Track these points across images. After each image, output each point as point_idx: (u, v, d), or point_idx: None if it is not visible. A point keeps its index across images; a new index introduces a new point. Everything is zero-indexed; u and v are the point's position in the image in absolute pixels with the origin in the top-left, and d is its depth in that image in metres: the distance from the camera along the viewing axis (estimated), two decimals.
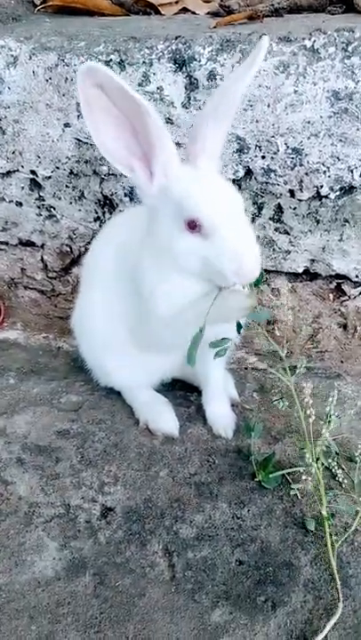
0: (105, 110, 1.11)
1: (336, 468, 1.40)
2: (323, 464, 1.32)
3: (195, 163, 1.17)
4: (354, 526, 1.28)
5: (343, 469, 1.41)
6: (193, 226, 1.13)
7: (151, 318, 1.29)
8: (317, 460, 1.29)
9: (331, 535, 1.24)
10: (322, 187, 1.59)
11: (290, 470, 1.39)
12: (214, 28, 1.62)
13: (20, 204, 1.86)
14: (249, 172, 1.61)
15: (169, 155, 1.13)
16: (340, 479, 1.39)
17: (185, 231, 1.14)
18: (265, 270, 1.77)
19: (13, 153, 1.75)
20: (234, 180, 1.63)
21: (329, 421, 1.30)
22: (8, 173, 1.81)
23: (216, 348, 1.27)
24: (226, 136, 1.24)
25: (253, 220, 1.69)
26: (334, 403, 1.31)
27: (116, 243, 1.43)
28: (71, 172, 1.75)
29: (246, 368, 1.78)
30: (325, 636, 1.10)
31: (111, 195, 1.76)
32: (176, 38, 1.52)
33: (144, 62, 1.53)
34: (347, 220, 1.64)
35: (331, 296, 1.79)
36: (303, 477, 1.29)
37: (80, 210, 1.81)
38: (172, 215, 1.16)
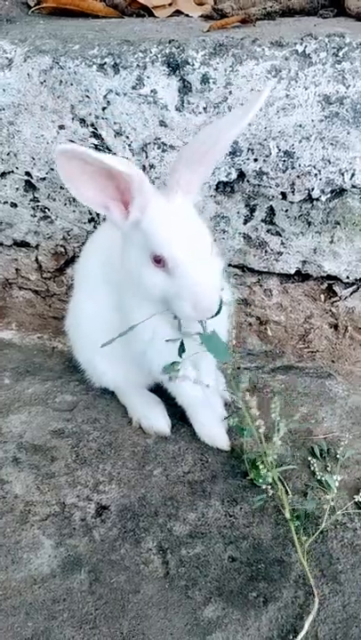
0: (82, 170, 1.13)
1: (318, 467, 1.44)
2: (279, 467, 1.36)
3: (170, 197, 1.18)
4: (323, 525, 1.31)
5: (328, 469, 1.44)
6: (158, 260, 1.16)
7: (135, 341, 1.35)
8: (276, 466, 1.33)
9: (298, 535, 1.27)
10: (313, 189, 1.62)
11: (282, 469, 1.41)
12: (207, 31, 1.63)
13: (14, 204, 1.87)
14: (241, 175, 1.63)
15: (146, 195, 1.16)
16: (320, 478, 1.42)
17: (151, 265, 1.17)
18: (258, 271, 1.80)
19: (8, 154, 1.76)
20: (227, 183, 1.65)
21: (278, 429, 1.32)
22: (3, 175, 1.82)
23: (167, 372, 1.33)
24: (208, 174, 1.26)
25: (246, 222, 1.71)
26: (278, 411, 1.33)
27: (105, 249, 1.44)
28: None
29: (239, 368, 1.80)
30: (316, 632, 1.13)
31: None
32: (170, 42, 1.54)
33: (138, 65, 1.54)
34: (338, 223, 1.66)
35: (322, 297, 1.82)
36: (263, 487, 1.34)
37: (74, 211, 1.83)
38: (141, 247, 1.19)
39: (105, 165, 1.10)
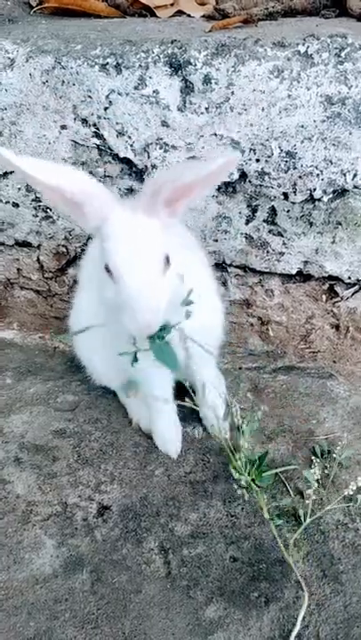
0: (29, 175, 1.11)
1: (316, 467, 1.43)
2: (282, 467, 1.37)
3: (135, 212, 1.16)
4: (307, 522, 1.31)
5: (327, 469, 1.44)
6: (107, 269, 1.14)
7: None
8: (278, 466, 1.35)
9: (280, 534, 1.27)
10: (315, 190, 1.62)
11: (283, 469, 1.42)
12: (209, 31, 1.63)
13: (16, 204, 1.87)
14: (243, 175, 1.63)
15: (102, 202, 1.14)
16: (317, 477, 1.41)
17: (105, 273, 1.15)
18: (259, 272, 1.80)
19: None
20: (229, 183, 1.65)
21: (242, 432, 1.33)
22: (5, 174, 1.82)
23: (127, 389, 1.30)
24: (175, 210, 1.21)
25: (247, 223, 1.71)
26: (238, 413, 1.35)
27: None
28: None
29: (240, 368, 1.80)
30: (317, 632, 1.14)
31: None
32: (172, 42, 1.54)
33: (140, 66, 1.54)
34: (339, 223, 1.66)
35: (323, 297, 1.82)
36: (239, 492, 1.34)
37: None
38: (100, 254, 1.18)
39: (38, 182, 1.08)
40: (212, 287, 1.49)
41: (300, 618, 1.14)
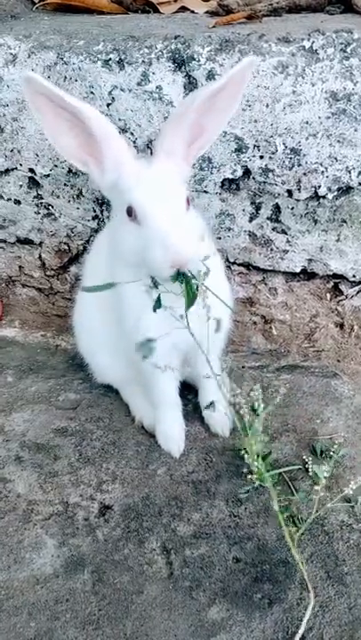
0: (54, 113, 1.16)
1: (309, 461, 1.42)
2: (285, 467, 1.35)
3: (153, 161, 1.20)
4: (312, 516, 1.28)
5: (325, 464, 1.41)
6: (130, 213, 1.16)
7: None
8: (263, 457, 1.29)
9: (288, 527, 1.24)
10: (320, 187, 1.60)
11: (287, 469, 1.40)
12: (213, 27, 1.62)
13: (18, 201, 1.86)
14: (247, 172, 1.62)
15: (118, 151, 1.17)
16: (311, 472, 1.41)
17: (126, 220, 1.17)
18: (263, 270, 1.79)
19: (12, 151, 1.76)
20: (232, 180, 1.64)
21: (258, 415, 1.30)
22: (6, 171, 1.81)
23: (141, 348, 1.26)
24: (199, 145, 1.26)
25: (251, 220, 1.69)
26: (260, 396, 1.30)
27: (108, 244, 1.43)
28: (69, 171, 1.75)
29: (243, 367, 1.79)
30: (321, 635, 1.12)
31: None
32: (175, 38, 1.52)
33: (143, 61, 1.53)
34: (344, 221, 1.65)
35: (328, 295, 1.80)
36: (248, 477, 1.30)
37: (78, 208, 1.82)
38: (119, 208, 1.20)
39: (61, 100, 1.11)
40: (223, 274, 1.47)
41: (305, 619, 1.13)
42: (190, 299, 1.17)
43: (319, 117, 1.51)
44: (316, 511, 1.29)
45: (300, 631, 1.11)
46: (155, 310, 1.21)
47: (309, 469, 1.42)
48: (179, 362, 1.43)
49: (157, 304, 1.20)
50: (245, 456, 1.29)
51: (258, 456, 1.29)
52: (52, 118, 1.17)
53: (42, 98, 1.15)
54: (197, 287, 1.16)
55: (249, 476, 1.30)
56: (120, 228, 1.20)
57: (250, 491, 1.37)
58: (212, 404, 1.48)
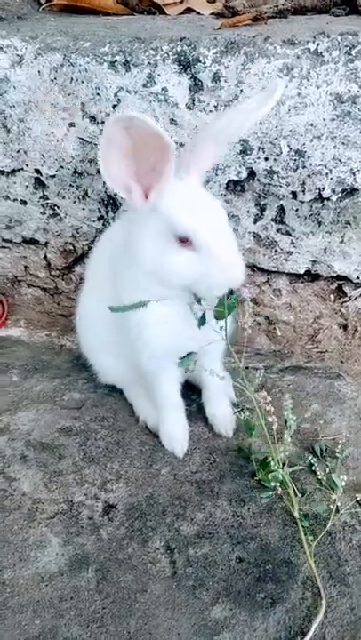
0: (121, 146, 1.12)
1: (317, 467, 1.43)
2: (289, 468, 1.36)
3: (185, 177, 1.20)
4: (328, 525, 1.30)
5: (328, 468, 1.43)
6: (184, 241, 1.17)
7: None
8: (283, 465, 1.33)
9: (306, 535, 1.26)
10: (324, 189, 1.60)
11: (290, 470, 1.41)
12: (219, 29, 1.62)
13: (24, 202, 1.87)
14: (252, 174, 1.62)
15: (169, 178, 1.16)
16: (320, 477, 1.41)
17: (174, 248, 1.18)
18: (267, 271, 1.79)
19: (18, 152, 1.76)
20: (237, 182, 1.64)
21: (289, 426, 1.33)
22: (13, 172, 1.82)
23: (183, 364, 1.33)
24: (218, 156, 1.28)
25: (256, 222, 1.70)
26: (290, 407, 1.35)
27: (112, 248, 1.44)
28: (75, 172, 1.76)
29: (247, 367, 1.79)
30: (323, 635, 1.13)
31: (115, 194, 1.77)
32: (181, 40, 1.53)
33: (149, 63, 1.54)
34: (348, 222, 1.65)
35: (332, 297, 1.81)
36: (272, 484, 1.34)
37: (84, 209, 1.83)
38: (160, 232, 1.19)
39: (156, 135, 1.08)
40: None
41: (315, 623, 1.14)
42: (229, 311, 1.23)
43: (324, 120, 1.52)
44: (334, 519, 1.30)
45: (309, 635, 1.12)
46: (200, 327, 1.28)
47: (317, 472, 1.42)
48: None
49: (202, 320, 1.27)
50: (271, 463, 1.32)
51: (284, 465, 1.31)
52: (116, 152, 1.13)
53: (123, 133, 1.10)
54: (236, 299, 1.23)
55: (273, 484, 1.33)
56: (165, 255, 1.20)
57: (272, 496, 1.39)
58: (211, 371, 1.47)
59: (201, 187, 1.24)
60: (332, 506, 1.32)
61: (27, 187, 1.84)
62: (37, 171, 1.79)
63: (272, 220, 1.69)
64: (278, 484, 1.32)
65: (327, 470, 1.42)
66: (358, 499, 1.36)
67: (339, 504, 1.33)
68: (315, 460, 1.44)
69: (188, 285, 1.22)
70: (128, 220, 1.32)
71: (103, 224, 1.84)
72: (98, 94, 1.59)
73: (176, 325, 1.31)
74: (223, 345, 1.36)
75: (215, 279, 1.18)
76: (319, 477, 1.41)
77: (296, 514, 1.27)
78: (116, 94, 1.58)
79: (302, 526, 1.27)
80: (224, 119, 1.22)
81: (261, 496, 1.38)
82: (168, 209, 1.18)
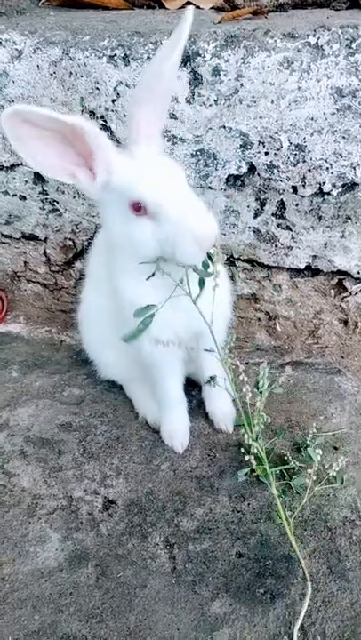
0: (36, 138, 1.11)
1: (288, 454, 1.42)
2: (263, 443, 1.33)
3: (131, 149, 1.17)
4: (305, 499, 1.30)
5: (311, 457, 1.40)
6: (138, 208, 1.13)
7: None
8: (257, 438, 1.30)
9: (285, 512, 1.25)
10: (324, 183, 1.60)
11: (289, 466, 1.40)
12: (219, 23, 1.61)
13: (23, 197, 1.87)
14: (252, 168, 1.62)
15: (107, 153, 1.14)
16: (294, 464, 1.40)
17: (134, 217, 1.14)
18: (267, 266, 1.79)
19: None
20: (237, 176, 1.63)
21: (260, 392, 1.30)
22: (12, 167, 1.81)
23: (139, 316, 1.23)
24: (165, 114, 1.23)
25: (256, 216, 1.69)
26: (266, 375, 1.33)
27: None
28: None
29: (247, 363, 1.79)
30: (323, 630, 1.13)
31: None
32: None
33: (149, 57, 1.53)
34: (349, 217, 1.64)
35: (332, 292, 1.80)
36: (246, 458, 1.31)
37: (83, 204, 1.82)
38: (117, 206, 1.16)
39: (54, 121, 1.07)
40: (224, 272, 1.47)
41: (303, 609, 1.13)
42: (206, 274, 1.17)
43: (324, 113, 1.51)
44: (319, 508, 1.29)
45: (299, 621, 1.12)
46: (200, 287, 1.20)
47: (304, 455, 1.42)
48: (182, 357, 1.44)
49: (201, 283, 1.20)
50: (245, 436, 1.30)
51: (257, 437, 1.30)
52: (34, 146, 1.12)
53: (25, 126, 1.09)
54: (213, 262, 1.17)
55: (247, 457, 1.30)
56: (127, 226, 1.16)
57: (248, 474, 1.38)
58: (212, 378, 1.44)
59: (156, 153, 1.18)
60: (308, 480, 1.30)
61: (26, 182, 1.83)
62: None
63: (272, 214, 1.69)
64: (252, 457, 1.30)
65: (319, 458, 1.38)
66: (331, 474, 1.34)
67: (314, 478, 1.30)
68: (304, 446, 1.43)
69: (162, 256, 1.16)
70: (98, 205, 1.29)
71: None
72: (97, 88, 1.59)
73: (173, 305, 1.24)
74: (221, 331, 1.34)
75: (184, 248, 1.11)
76: (303, 456, 1.40)
77: (274, 491, 1.26)
78: (115, 88, 1.57)
79: (280, 500, 1.26)
80: (145, 75, 1.18)
81: (238, 473, 1.37)
82: (118, 181, 1.14)
